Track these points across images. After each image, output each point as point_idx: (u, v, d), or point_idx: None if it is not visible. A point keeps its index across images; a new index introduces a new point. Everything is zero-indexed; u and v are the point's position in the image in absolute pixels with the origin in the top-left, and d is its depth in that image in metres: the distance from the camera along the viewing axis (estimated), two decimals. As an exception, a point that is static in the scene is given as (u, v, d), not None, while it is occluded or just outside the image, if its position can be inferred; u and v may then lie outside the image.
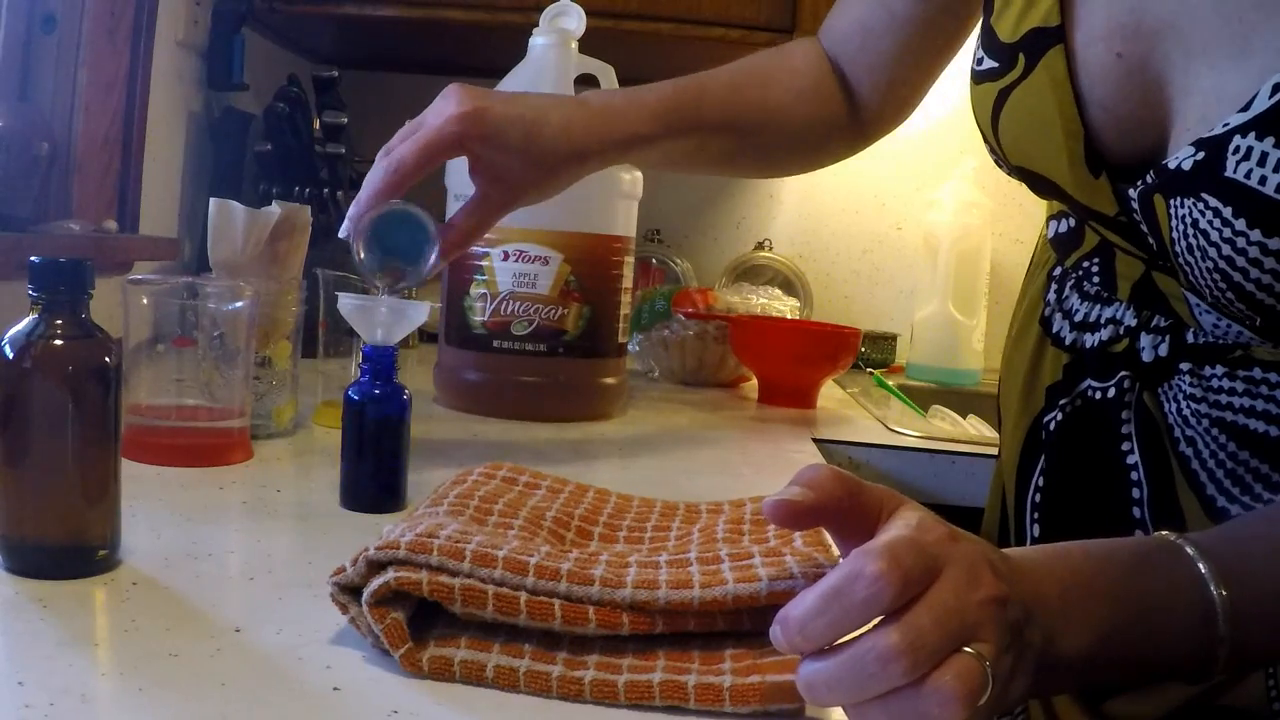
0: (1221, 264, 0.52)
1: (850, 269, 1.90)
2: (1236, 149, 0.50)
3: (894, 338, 1.76)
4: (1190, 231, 0.53)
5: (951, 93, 1.31)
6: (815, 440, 1.07)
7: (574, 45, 1.05)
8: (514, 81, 1.07)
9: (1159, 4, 0.55)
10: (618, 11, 1.39)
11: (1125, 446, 0.64)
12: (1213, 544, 0.49)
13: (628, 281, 1.09)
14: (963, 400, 1.54)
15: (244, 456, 0.77)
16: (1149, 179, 0.56)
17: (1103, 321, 0.67)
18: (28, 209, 1.08)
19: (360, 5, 1.43)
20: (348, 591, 0.47)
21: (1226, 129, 0.51)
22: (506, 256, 1.02)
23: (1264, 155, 0.49)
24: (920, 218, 1.79)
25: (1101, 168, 0.59)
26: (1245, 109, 0.50)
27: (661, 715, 0.43)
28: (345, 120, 1.43)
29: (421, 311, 0.71)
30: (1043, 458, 0.69)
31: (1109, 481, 0.64)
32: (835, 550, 0.48)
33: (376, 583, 0.45)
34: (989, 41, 0.64)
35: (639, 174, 1.10)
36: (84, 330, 0.52)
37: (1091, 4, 0.58)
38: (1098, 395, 0.66)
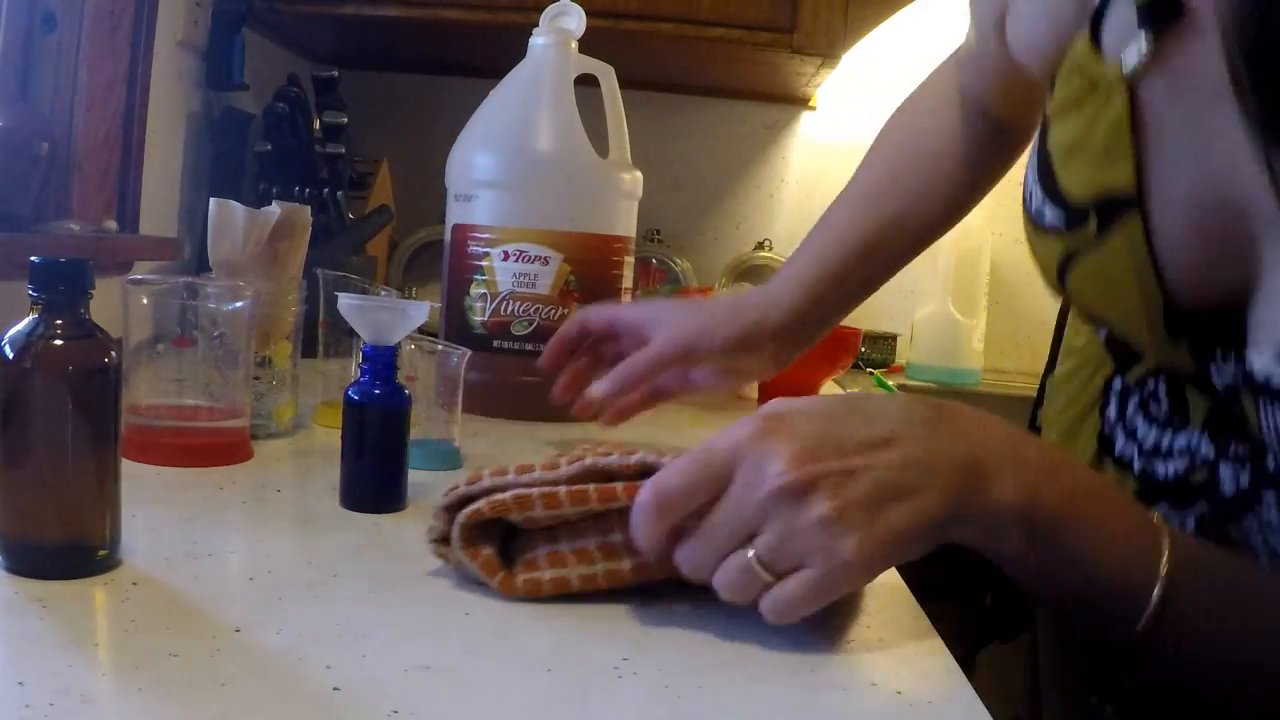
0: None
1: (850, 269, 1.89)
2: None
3: (894, 338, 1.76)
4: None
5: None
6: (815, 440, 1.07)
7: (574, 45, 1.05)
8: (513, 81, 1.07)
9: (1241, 178, 0.49)
10: (618, 11, 1.39)
11: None
12: (1189, 545, 0.50)
13: (628, 282, 1.09)
14: (963, 400, 1.54)
15: (244, 456, 0.77)
16: (1236, 378, 0.53)
17: (1176, 451, 0.61)
18: (28, 209, 1.09)
19: (360, 5, 1.43)
20: (443, 542, 0.54)
21: None
22: (506, 256, 1.02)
23: None
24: (920, 218, 1.79)
25: (1181, 333, 0.55)
26: None
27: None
28: (345, 120, 1.43)
29: (421, 311, 0.71)
30: None
31: None
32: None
33: (456, 525, 0.53)
34: (1049, 186, 0.58)
35: (639, 174, 1.10)
36: (84, 330, 0.52)
37: (1171, 172, 0.53)
38: (1176, 524, 0.61)
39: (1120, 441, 0.66)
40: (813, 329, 0.85)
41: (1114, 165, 0.54)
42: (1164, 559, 0.48)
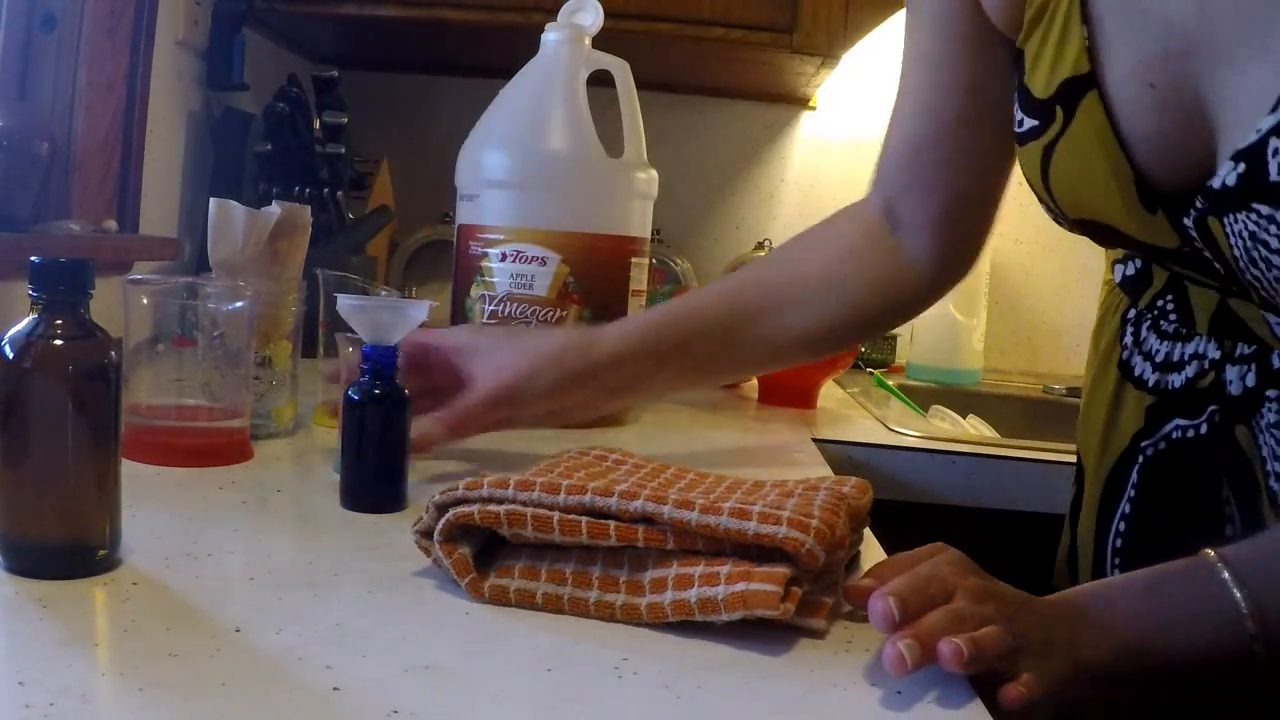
0: None
1: (850, 269, 1.89)
2: (1275, 151, 0.49)
3: (894, 338, 1.76)
4: (1250, 244, 0.53)
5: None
6: (815, 440, 1.07)
7: (587, 41, 1.05)
8: (525, 78, 1.06)
9: (1181, 23, 0.54)
10: (618, 11, 1.39)
11: (1217, 484, 0.63)
12: (1239, 550, 0.51)
13: (639, 284, 1.08)
14: (963, 400, 1.54)
15: (244, 456, 0.77)
16: (1199, 204, 0.55)
17: (1186, 359, 0.66)
18: (28, 209, 1.08)
19: (360, 5, 1.43)
20: (426, 536, 0.55)
21: (1260, 134, 0.50)
22: (504, 257, 1.01)
23: None
24: (920, 218, 1.79)
25: (1157, 203, 0.58)
26: (1275, 109, 0.49)
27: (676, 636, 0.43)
28: (345, 120, 1.43)
29: (421, 310, 0.71)
30: (1126, 502, 0.69)
31: (1199, 521, 0.64)
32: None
33: (441, 522, 0.54)
34: (1025, 101, 0.63)
35: (654, 173, 1.09)
36: (84, 330, 0.52)
37: (1117, 43, 0.57)
38: (1189, 434, 0.65)
39: (1138, 364, 0.70)
40: (642, 378, 0.82)
41: (1067, 51, 0.59)
42: (1245, 618, 0.49)
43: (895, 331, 1.77)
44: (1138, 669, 0.50)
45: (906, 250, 0.79)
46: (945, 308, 1.68)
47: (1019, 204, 1.77)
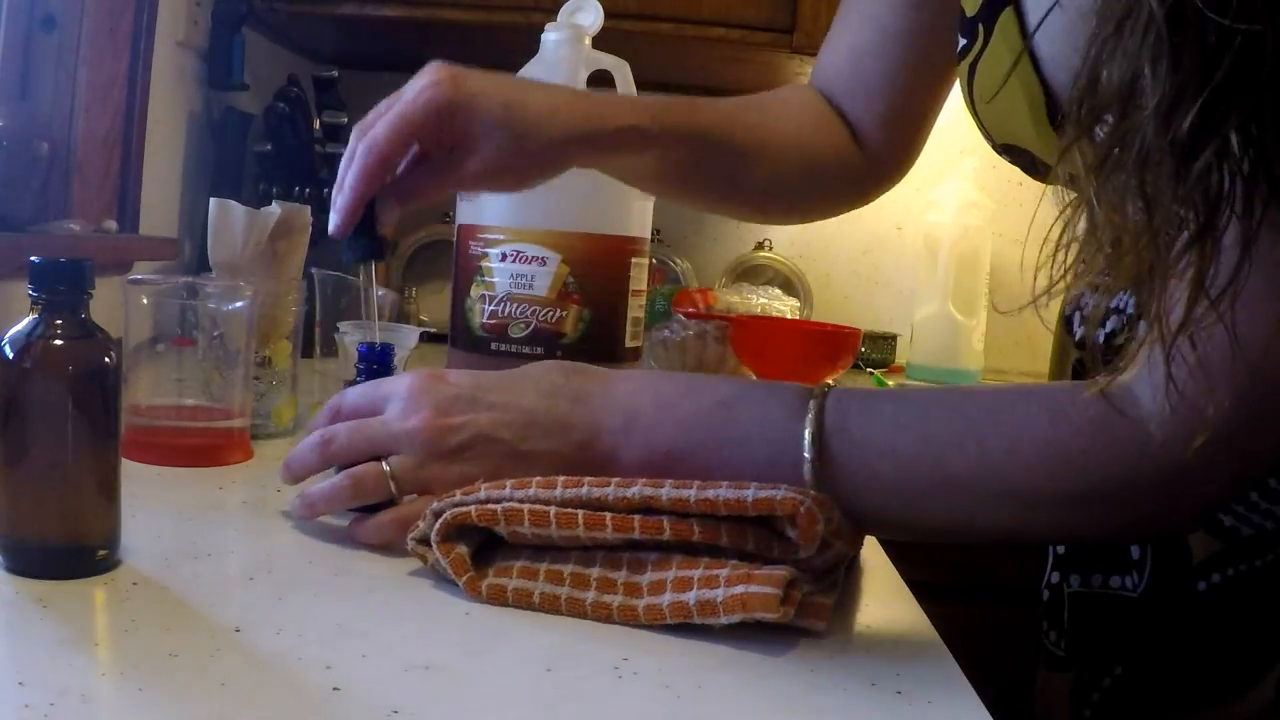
0: None
1: (850, 269, 1.90)
2: None
3: (894, 338, 1.76)
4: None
5: (951, 93, 1.31)
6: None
7: (587, 41, 1.05)
8: (524, 78, 1.06)
9: None
10: (618, 11, 1.39)
11: None
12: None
13: (638, 284, 1.08)
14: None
15: (244, 456, 0.77)
16: None
17: (1110, 313, 0.66)
18: (28, 209, 1.08)
19: (360, 5, 1.43)
20: (423, 543, 0.55)
21: None
22: (504, 257, 1.01)
23: None
24: (920, 218, 1.79)
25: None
26: None
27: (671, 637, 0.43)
28: (345, 120, 1.43)
29: (412, 337, 0.75)
30: None
31: None
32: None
33: (438, 522, 0.54)
34: (960, 22, 0.64)
35: None
36: (84, 330, 0.52)
37: None
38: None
39: (1075, 323, 0.71)
40: (592, 147, 0.72)
41: None
42: (808, 417, 0.54)
43: (895, 331, 1.77)
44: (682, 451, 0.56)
45: (851, 135, 0.82)
46: (945, 307, 1.68)
47: (1019, 203, 1.78)
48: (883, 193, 0.86)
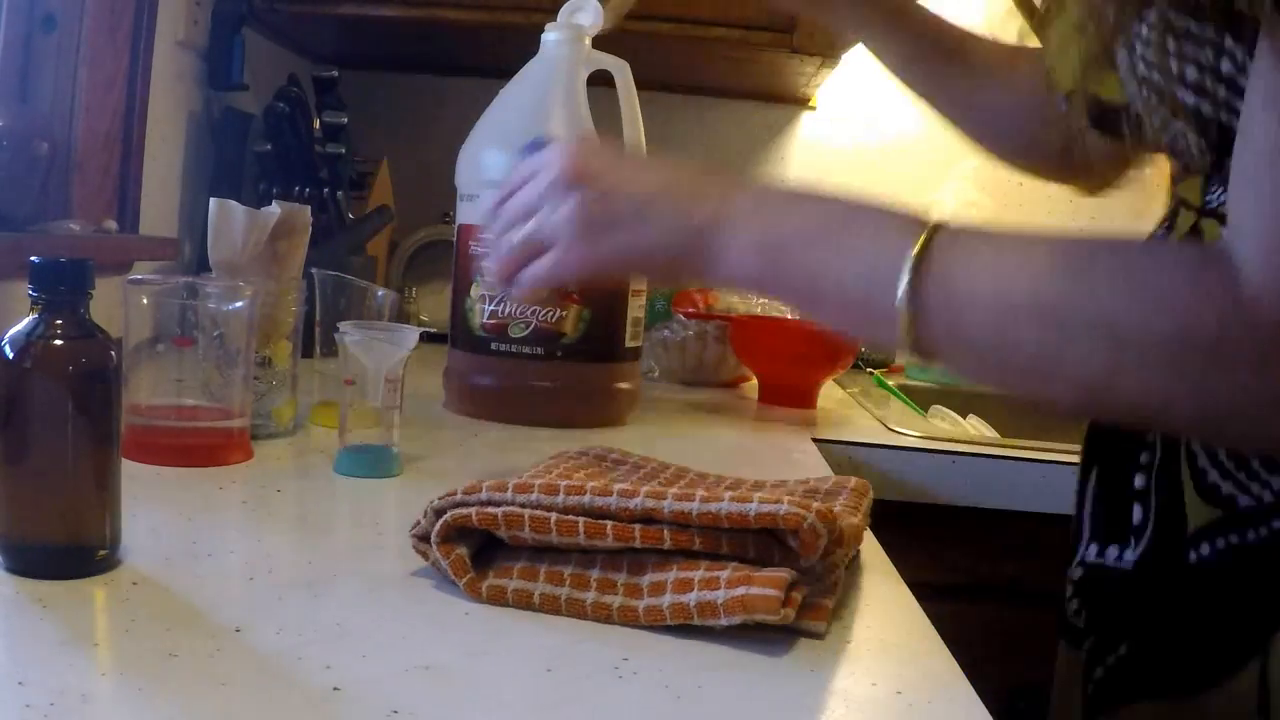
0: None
1: (850, 269, 1.89)
2: None
3: (894, 338, 1.76)
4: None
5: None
6: (815, 440, 1.07)
7: (587, 41, 1.04)
8: (525, 78, 1.06)
9: None
10: (618, 11, 1.39)
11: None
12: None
13: (638, 284, 1.08)
14: (963, 400, 1.54)
15: (244, 456, 0.77)
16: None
17: None
18: (28, 209, 1.08)
19: (360, 5, 1.43)
20: (424, 540, 0.55)
21: None
22: (506, 257, 1.01)
23: None
24: (920, 218, 1.79)
25: None
26: None
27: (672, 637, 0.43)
28: (345, 120, 1.43)
29: (412, 337, 0.76)
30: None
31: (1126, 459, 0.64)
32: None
33: (439, 523, 0.54)
34: None
35: None
36: (84, 330, 0.52)
37: None
38: None
39: None
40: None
41: None
42: (918, 241, 0.54)
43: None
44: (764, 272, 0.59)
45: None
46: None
47: (1018, 203, 1.78)
48: (1090, 188, 0.85)
